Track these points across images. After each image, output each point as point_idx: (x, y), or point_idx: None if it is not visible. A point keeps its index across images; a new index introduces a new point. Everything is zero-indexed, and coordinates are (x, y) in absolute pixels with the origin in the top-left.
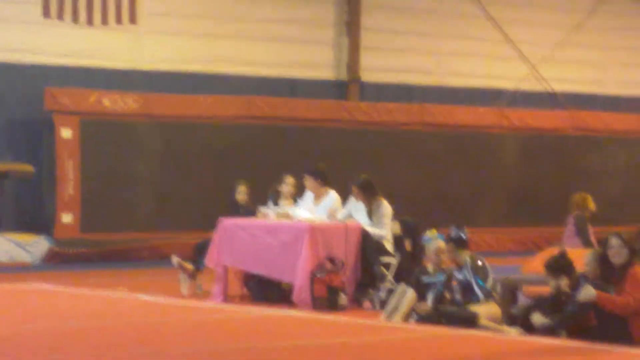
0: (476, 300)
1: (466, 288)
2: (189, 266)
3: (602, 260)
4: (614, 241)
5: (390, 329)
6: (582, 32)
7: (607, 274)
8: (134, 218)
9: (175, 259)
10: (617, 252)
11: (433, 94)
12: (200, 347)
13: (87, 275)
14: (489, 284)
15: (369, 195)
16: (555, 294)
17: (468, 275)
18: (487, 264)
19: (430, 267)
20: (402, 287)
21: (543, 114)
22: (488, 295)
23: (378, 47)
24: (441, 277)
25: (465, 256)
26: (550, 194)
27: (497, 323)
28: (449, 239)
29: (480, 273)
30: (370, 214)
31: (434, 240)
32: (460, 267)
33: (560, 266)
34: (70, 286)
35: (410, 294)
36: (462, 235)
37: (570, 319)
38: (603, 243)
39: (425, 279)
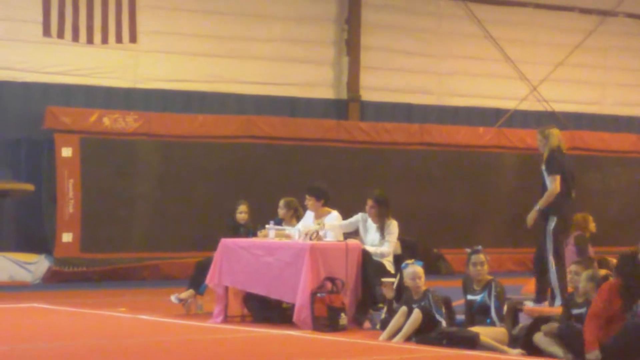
0: (488, 323)
1: (478, 310)
2: (189, 293)
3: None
4: None
5: (391, 349)
6: (582, 53)
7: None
8: (134, 237)
9: (174, 298)
10: None
11: (433, 114)
12: None
13: (87, 294)
14: (505, 308)
15: (383, 211)
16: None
17: (487, 298)
18: None
19: (413, 294)
20: (402, 308)
21: None
22: (502, 320)
23: (378, 66)
24: (429, 300)
25: (489, 279)
26: None
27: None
28: (485, 261)
29: (502, 298)
30: (382, 230)
31: (410, 266)
32: (478, 289)
33: None
34: (70, 306)
35: (416, 314)
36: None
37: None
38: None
39: (414, 306)
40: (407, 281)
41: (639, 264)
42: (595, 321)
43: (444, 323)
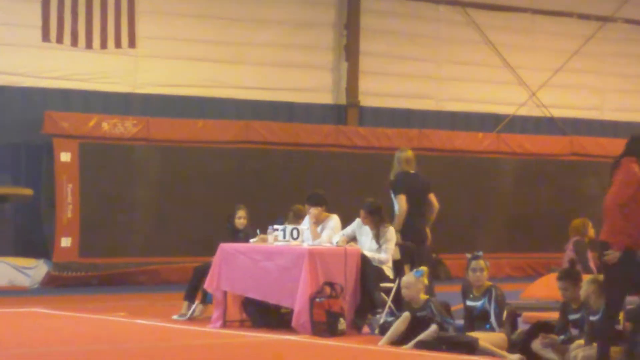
0: (487, 328)
1: (478, 316)
2: (199, 307)
3: None
4: None
5: (390, 355)
6: (581, 58)
7: None
8: (132, 242)
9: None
10: None
11: (432, 119)
12: None
13: (85, 299)
14: (504, 314)
15: (377, 219)
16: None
17: (488, 303)
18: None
19: (412, 303)
20: (405, 314)
21: (542, 139)
22: (502, 326)
23: (377, 72)
24: (429, 309)
25: (489, 285)
26: (549, 220)
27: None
28: (484, 267)
29: (502, 304)
30: (377, 237)
31: (406, 275)
32: (478, 295)
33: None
34: (69, 310)
35: (433, 328)
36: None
37: None
38: None
39: (417, 314)
40: (402, 291)
41: None
42: (620, 210)
43: (450, 329)
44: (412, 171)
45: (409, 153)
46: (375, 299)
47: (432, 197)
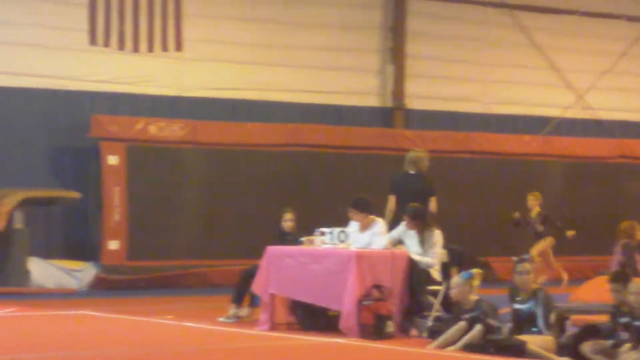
0: (535, 331)
1: (526, 319)
2: (247, 311)
3: None
4: None
5: (439, 357)
6: (628, 60)
7: None
8: (180, 245)
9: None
10: None
11: (478, 122)
12: None
13: (133, 302)
14: (552, 317)
15: (420, 223)
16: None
17: (535, 306)
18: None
19: (462, 304)
20: (461, 323)
21: (589, 142)
22: (549, 329)
23: (423, 74)
24: (480, 309)
25: (536, 287)
26: (597, 223)
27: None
28: (530, 270)
29: (549, 307)
30: (422, 241)
31: (455, 276)
32: (525, 298)
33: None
34: (117, 313)
35: (478, 328)
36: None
37: None
38: None
39: (464, 317)
40: (450, 290)
41: None
42: None
43: (504, 328)
44: (413, 172)
45: (415, 154)
46: (422, 301)
47: (433, 201)
